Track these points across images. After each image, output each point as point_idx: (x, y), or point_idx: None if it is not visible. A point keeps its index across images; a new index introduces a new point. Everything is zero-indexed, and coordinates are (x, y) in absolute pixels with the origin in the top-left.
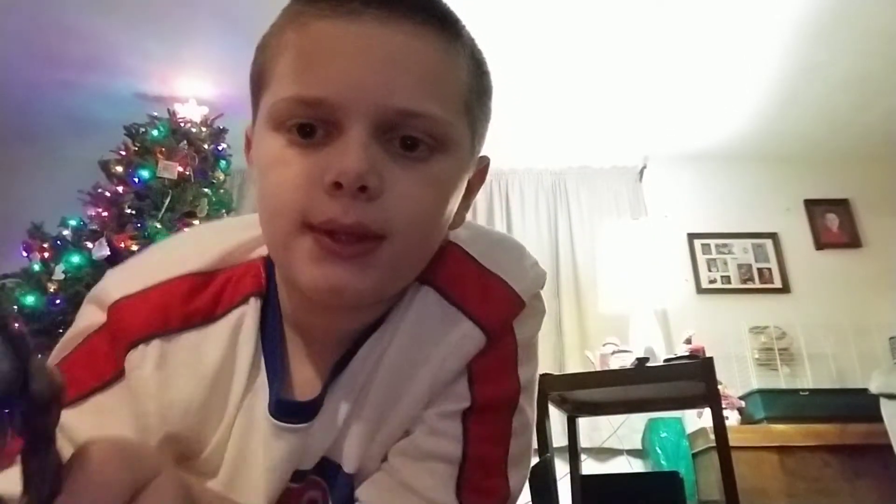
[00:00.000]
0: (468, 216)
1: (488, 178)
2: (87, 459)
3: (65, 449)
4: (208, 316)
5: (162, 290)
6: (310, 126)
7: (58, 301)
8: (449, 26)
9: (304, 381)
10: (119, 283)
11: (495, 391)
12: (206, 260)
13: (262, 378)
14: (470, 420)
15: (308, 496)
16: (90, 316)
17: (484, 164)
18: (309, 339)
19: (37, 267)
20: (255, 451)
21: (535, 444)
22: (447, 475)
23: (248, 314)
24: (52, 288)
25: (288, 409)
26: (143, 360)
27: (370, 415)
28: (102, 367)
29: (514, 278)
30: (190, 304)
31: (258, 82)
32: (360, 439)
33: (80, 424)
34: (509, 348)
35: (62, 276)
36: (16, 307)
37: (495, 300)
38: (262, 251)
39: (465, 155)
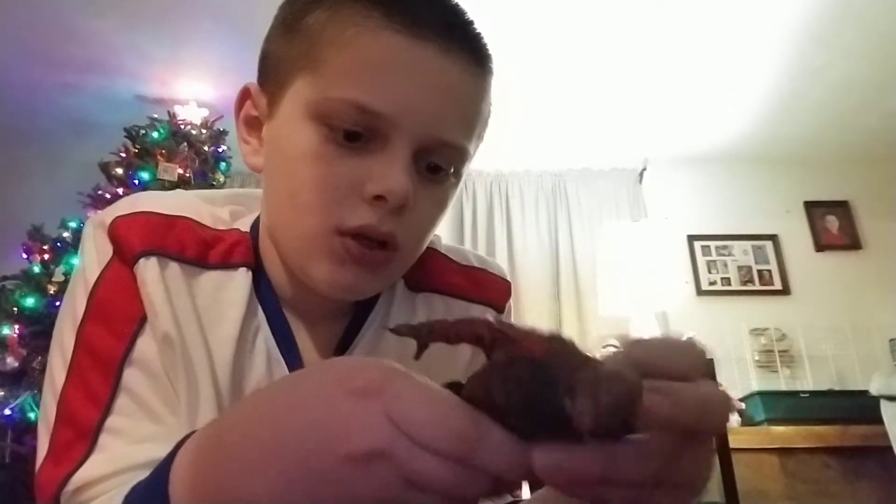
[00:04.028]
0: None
1: (488, 180)
2: None
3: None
4: (199, 259)
5: (153, 215)
6: (356, 133)
7: (58, 303)
8: (488, 63)
9: (309, 356)
10: (114, 211)
11: None
12: (200, 213)
13: (273, 350)
14: None
15: None
16: (93, 243)
17: None
18: (304, 315)
19: (37, 269)
20: None
21: None
22: None
23: (238, 280)
24: (52, 290)
25: None
26: (145, 272)
27: None
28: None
29: (490, 266)
30: (181, 236)
31: (301, 60)
32: None
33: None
34: None
35: (62, 278)
36: (15, 309)
37: (489, 284)
38: (244, 224)
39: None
